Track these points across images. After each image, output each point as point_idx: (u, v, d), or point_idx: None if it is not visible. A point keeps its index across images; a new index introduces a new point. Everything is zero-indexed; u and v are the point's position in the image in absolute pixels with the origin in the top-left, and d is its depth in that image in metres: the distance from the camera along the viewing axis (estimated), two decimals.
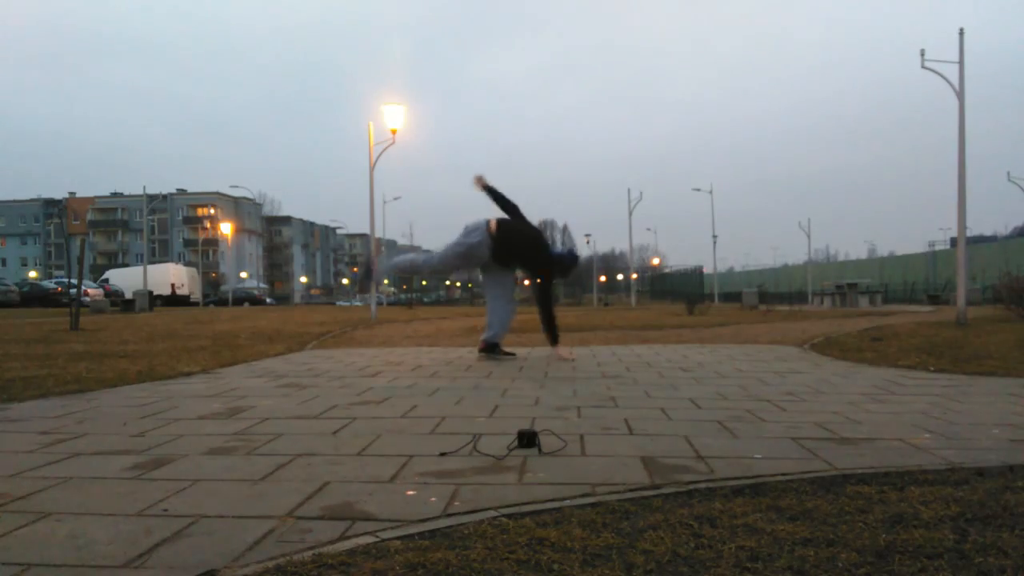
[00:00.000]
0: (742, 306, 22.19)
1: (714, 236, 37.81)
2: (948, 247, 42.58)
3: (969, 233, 15.29)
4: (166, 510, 1.81)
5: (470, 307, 33.52)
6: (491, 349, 5.85)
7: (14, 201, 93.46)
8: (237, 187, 63.36)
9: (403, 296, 45.17)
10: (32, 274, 71.19)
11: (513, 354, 5.86)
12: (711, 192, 36.87)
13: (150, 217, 60.44)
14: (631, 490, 1.91)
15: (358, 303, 51.69)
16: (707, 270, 44.51)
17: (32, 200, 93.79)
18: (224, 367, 5.25)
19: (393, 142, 15.83)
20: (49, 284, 35.15)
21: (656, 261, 70.37)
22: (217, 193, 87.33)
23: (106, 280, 40.20)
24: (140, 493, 1.97)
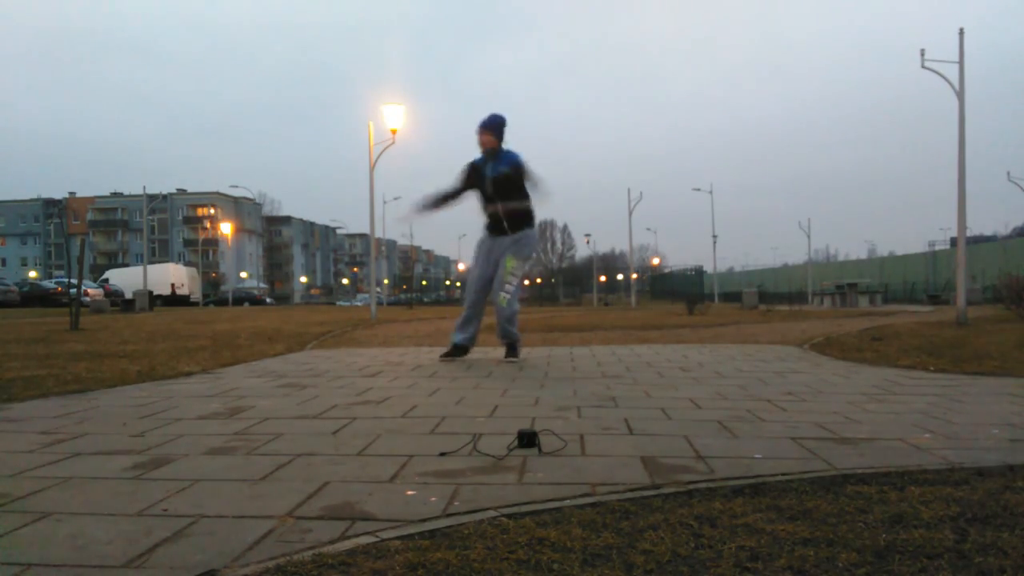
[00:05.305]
0: (742, 306, 22.20)
1: (714, 236, 37.93)
2: (948, 247, 42.59)
3: (969, 233, 15.30)
4: (166, 510, 1.81)
5: None
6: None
7: (14, 201, 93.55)
8: (237, 187, 63.39)
9: (403, 296, 45.17)
10: (32, 274, 71.26)
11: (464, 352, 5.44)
12: (711, 192, 36.99)
13: (150, 217, 60.39)
14: (631, 490, 1.91)
15: (358, 303, 51.64)
16: (707, 270, 44.59)
17: (32, 200, 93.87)
18: (224, 367, 5.25)
19: (393, 142, 15.85)
20: (49, 284, 35.22)
21: (656, 261, 70.48)
22: (217, 193, 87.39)
23: (106, 280, 40.23)
24: (140, 493, 1.97)
